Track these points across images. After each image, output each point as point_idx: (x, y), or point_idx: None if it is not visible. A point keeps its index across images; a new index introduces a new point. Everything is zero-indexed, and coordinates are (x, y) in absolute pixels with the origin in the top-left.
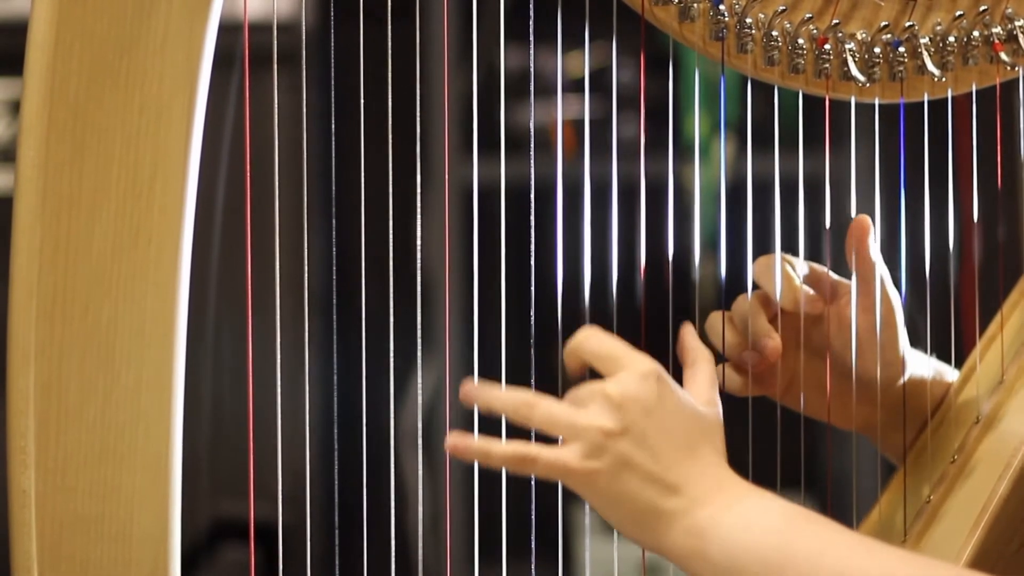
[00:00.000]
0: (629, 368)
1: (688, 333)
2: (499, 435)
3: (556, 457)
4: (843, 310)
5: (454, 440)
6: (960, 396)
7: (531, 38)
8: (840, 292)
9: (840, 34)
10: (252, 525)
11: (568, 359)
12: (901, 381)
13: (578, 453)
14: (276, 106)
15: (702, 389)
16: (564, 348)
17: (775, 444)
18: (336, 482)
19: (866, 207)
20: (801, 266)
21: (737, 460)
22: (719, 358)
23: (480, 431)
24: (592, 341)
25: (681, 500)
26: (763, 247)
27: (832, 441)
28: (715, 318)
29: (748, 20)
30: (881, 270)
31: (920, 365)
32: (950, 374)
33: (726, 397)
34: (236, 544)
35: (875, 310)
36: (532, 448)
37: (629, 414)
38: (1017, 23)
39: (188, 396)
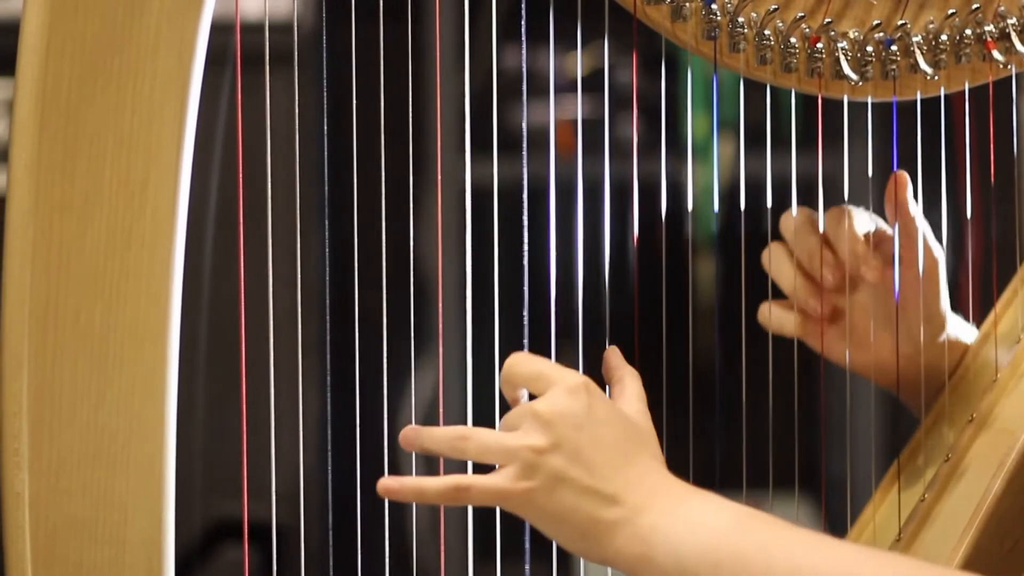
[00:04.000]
0: (558, 384)
1: (613, 354)
2: None
3: (490, 482)
4: (885, 263)
5: (386, 483)
6: (954, 394)
7: (523, 39)
8: (884, 245)
9: (832, 33)
10: (246, 526)
11: (504, 388)
12: (942, 338)
13: (511, 475)
14: (268, 107)
15: (631, 403)
16: (501, 378)
17: (768, 445)
18: (331, 483)
19: (859, 205)
20: (861, 219)
21: (731, 461)
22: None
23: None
24: (521, 365)
25: (621, 509)
26: (758, 246)
27: (826, 442)
28: (778, 248)
29: (740, 19)
30: (922, 225)
31: (960, 327)
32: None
33: (716, 398)
34: (232, 545)
35: (917, 264)
36: (465, 478)
37: (559, 429)
38: (1009, 21)
39: (182, 398)
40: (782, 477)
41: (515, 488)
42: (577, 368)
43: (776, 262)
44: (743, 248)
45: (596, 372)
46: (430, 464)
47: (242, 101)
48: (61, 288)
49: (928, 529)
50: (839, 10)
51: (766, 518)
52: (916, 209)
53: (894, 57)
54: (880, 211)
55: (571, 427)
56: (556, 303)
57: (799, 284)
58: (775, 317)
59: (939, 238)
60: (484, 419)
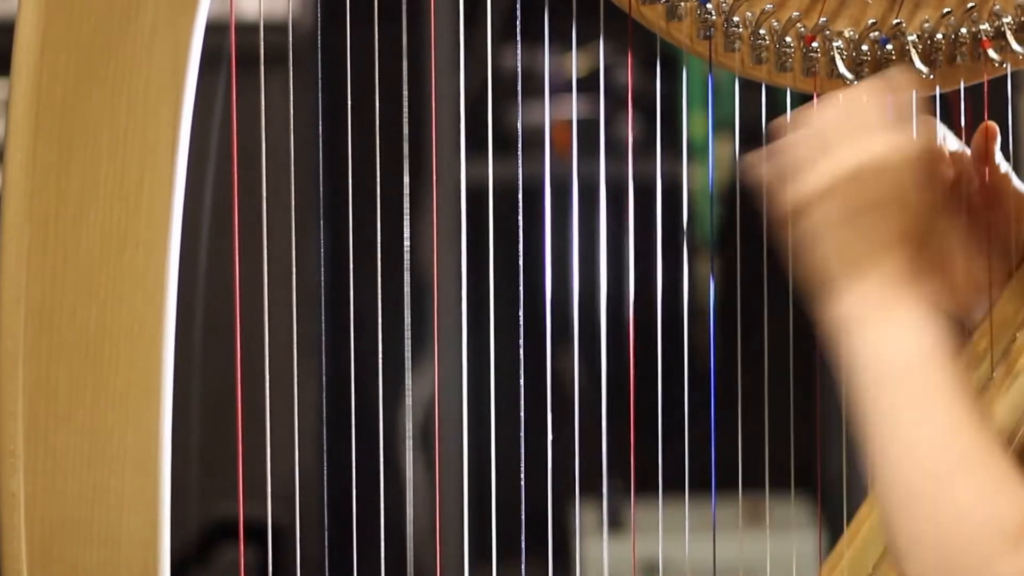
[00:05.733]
0: (891, 144)
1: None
2: (489, 435)
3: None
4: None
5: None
6: None
7: (519, 39)
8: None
9: (828, 32)
10: (242, 527)
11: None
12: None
13: (807, 184)
14: (263, 107)
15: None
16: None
17: (765, 445)
18: (327, 483)
19: None
20: (952, 140)
21: (728, 461)
22: None
23: (470, 432)
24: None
25: (861, 285)
26: (755, 245)
27: (823, 442)
28: None
29: (735, 19)
30: (1008, 171)
31: None
32: None
33: (713, 398)
34: (227, 546)
35: (1008, 205)
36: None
37: (861, 187)
38: (1004, 20)
39: (177, 398)
40: (778, 477)
41: (798, 195)
42: (575, 368)
43: None
44: (740, 248)
45: (593, 371)
46: (428, 465)
47: (237, 101)
48: (56, 287)
49: None
50: (834, 9)
51: (951, 372)
52: (1004, 163)
53: (889, 56)
54: None
55: (872, 192)
56: (552, 303)
57: None
58: None
59: None
60: (481, 419)
